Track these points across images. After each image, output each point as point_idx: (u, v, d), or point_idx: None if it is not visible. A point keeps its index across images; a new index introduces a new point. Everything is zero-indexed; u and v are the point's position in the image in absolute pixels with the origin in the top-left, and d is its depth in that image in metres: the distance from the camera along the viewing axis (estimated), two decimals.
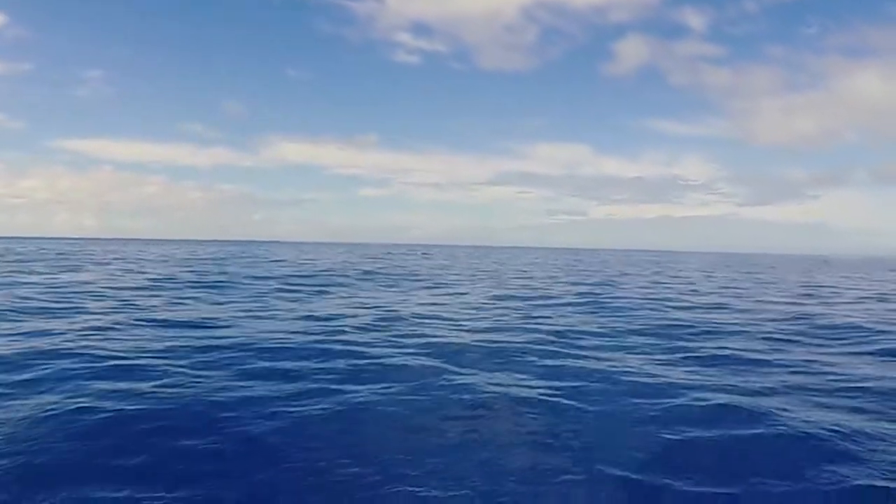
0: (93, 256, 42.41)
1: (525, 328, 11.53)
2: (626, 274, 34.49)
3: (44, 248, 59.39)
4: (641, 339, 10.50)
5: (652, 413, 6.10)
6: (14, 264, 29.73)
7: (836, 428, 5.57)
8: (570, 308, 15.25)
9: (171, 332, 10.09)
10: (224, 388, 6.64)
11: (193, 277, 22.88)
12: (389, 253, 73.83)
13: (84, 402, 5.99)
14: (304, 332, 10.34)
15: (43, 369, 7.20)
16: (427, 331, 10.95)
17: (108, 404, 5.95)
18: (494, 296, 18.71)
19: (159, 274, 24.41)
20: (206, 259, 41.29)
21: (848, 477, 4.56)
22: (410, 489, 4.33)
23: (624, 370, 7.95)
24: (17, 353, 8.01)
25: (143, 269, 27.79)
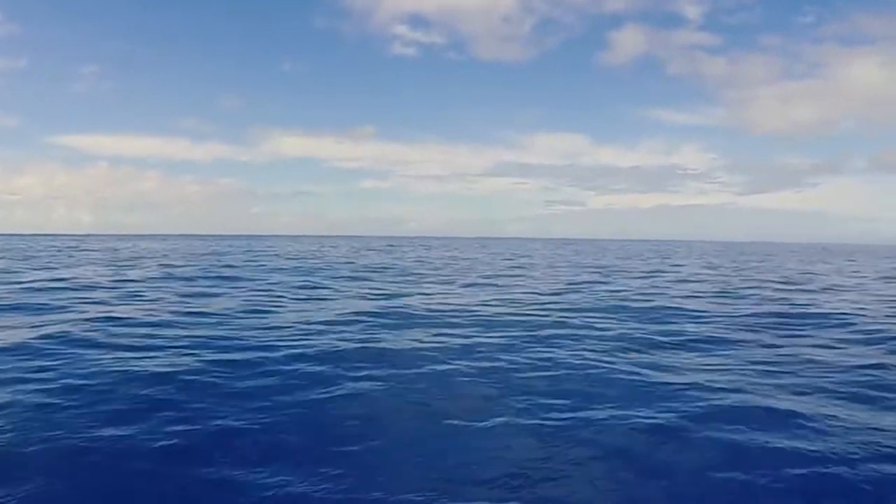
0: (94, 252, 42.53)
1: (529, 318, 11.73)
2: (626, 261, 34.72)
3: (49, 245, 59.52)
4: (638, 325, 10.70)
5: (642, 393, 6.34)
6: (20, 262, 29.87)
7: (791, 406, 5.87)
8: (574, 296, 15.44)
9: (187, 321, 10.28)
10: (240, 378, 6.84)
11: (202, 272, 23.04)
12: (391, 245, 73.97)
13: (103, 386, 6.21)
14: (320, 323, 10.55)
15: (59, 357, 7.41)
16: (437, 320, 11.16)
17: (124, 389, 6.16)
18: (502, 286, 18.92)
19: (168, 267, 24.57)
20: (208, 254, 41.42)
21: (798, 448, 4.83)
22: (426, 471, 4.55)
23: (618, 359, 8.16)
24: (34, 342, 8.26)
25: (147, 265, 27.92)
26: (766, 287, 19.24)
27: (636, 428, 5.34)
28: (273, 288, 16.90)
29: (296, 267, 27.12)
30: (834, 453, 4.74)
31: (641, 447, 4.97)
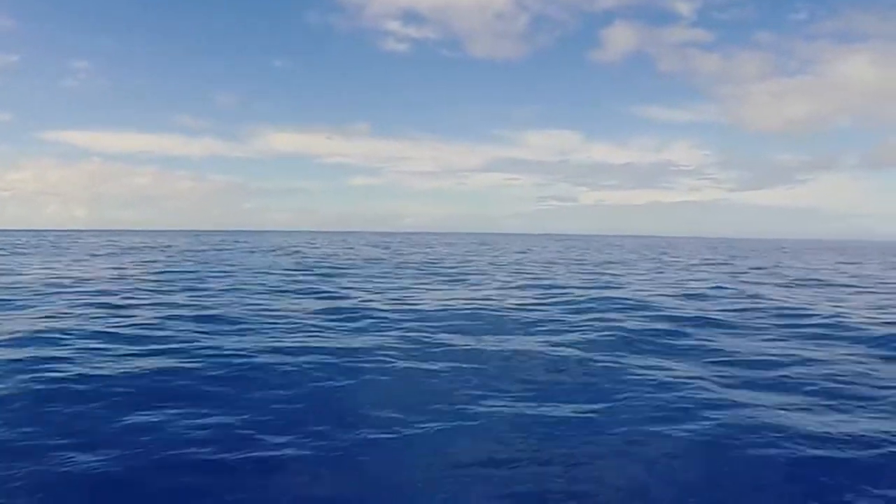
0: (91, 247, 42.55)
1: (524, 313, 12.04)
2: (615, 256, 35.11)
3: (42, 240, 59.41)
4: (624, 320, 11.02)
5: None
6: (21, 256, 29.95)
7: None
8: (564, 291, 15.75)
9: (184, 315, 10.55)
10: (241, 372, 7.14)
11: (201, 266, 23.23)
12: (386, 241, 74.18)
13: (109, 381, 6.50)
14: (327, 319, 10.85)
15: (69, 349, 7.72)
16: (434, 316, 11.46)
17: (129, 383, 6.46)
18: (503, 285, 19.22)
19: (167, 261, 24.72)
20: (207, 249, 41.52)
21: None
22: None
23: (606, 354, 8.51)
24: (33, 336, 8.61)
25: (146, 259, 28.05)
26: (753, 284, 19.63)
27: (630, 421, 5.61)
28: (269, 282, 17.12)
29: (297, 262, 27.39)
30: (806, 445, 5.04)
31: (635, 438, 5.23)
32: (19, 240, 58.57)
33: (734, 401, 6.14)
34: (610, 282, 19.37)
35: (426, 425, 5.42)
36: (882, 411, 5.94)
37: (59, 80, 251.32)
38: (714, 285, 18.07)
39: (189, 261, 26.93)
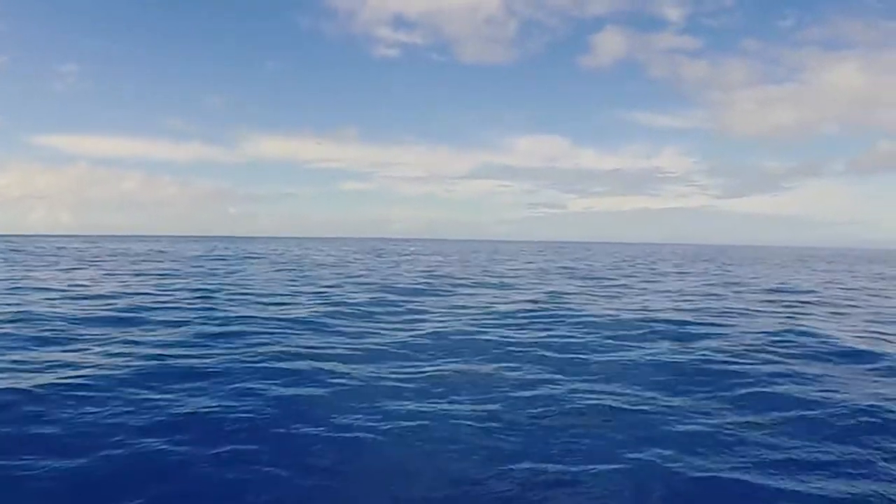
0: (88, 254, 42.62)
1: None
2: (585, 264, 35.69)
3: (41, 246, 59.12)
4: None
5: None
6: (24, 263, 30.14)
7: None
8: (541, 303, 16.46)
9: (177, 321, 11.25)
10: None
11: (210, 278, 23.67)
12: (380, 248, 74.39)
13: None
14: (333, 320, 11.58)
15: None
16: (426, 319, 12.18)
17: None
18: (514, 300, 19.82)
19: (161, 266, 25.12)
20: (205, 256, 41.74)
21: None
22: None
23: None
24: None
25: (144, 268, 28.36)
26: (732, 298, 20.42)
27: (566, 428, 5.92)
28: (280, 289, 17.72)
29: (292, 270, 27.82)
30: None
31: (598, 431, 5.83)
32: (8, 247, 58.29)
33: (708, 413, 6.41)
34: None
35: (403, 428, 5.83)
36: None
37: (47, 83, 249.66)
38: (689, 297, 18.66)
39: (184, 268, 27.19)
